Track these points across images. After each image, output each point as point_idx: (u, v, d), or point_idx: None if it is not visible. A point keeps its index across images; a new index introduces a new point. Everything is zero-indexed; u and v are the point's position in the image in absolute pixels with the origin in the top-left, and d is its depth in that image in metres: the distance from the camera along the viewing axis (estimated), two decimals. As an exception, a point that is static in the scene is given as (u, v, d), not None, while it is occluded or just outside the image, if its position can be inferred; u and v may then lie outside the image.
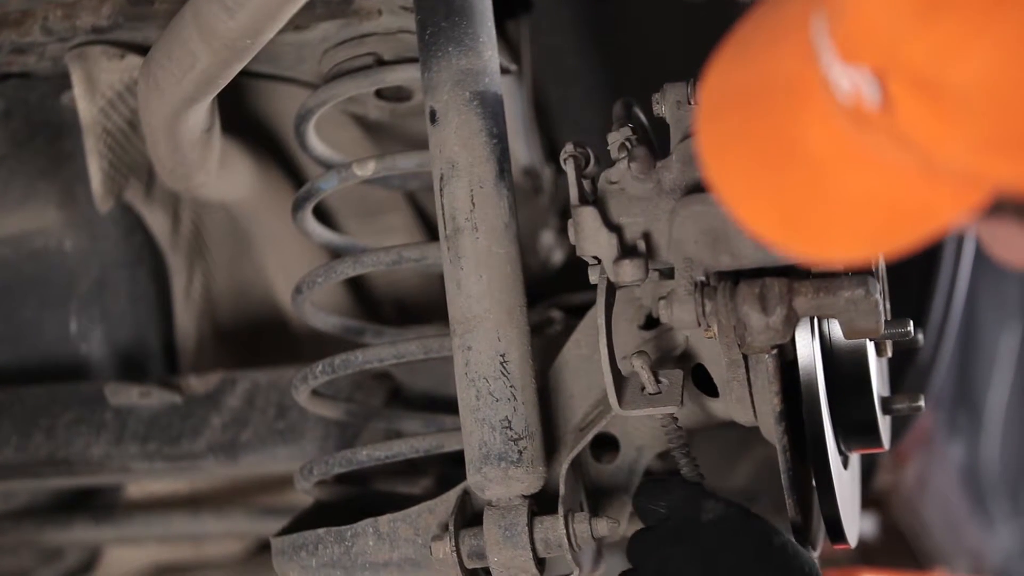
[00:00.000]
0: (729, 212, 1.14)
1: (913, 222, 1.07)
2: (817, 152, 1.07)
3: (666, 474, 1.71)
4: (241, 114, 2.13)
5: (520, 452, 1.63)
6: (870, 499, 3.04)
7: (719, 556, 1.59)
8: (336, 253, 2.05)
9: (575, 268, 1.73)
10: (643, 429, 1.76)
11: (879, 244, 1.12)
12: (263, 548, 2.63)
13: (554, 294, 2.18)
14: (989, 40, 0.95)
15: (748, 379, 1.65)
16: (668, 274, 1.63)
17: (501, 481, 1.64)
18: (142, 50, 1.87)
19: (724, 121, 1.14)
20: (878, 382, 1.76)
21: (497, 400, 1.63)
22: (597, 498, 1.76)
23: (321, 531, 1.75)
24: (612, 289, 1.62)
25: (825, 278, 1.55)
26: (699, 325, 1.56)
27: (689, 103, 1.64)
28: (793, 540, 1.62)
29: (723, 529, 1.60)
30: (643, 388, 1.61)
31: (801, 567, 1.58)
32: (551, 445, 1.69)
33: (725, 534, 1.60)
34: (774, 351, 1.57)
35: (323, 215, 2.16)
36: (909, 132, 1.00)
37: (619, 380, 1.60)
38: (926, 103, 0.99)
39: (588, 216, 1.60)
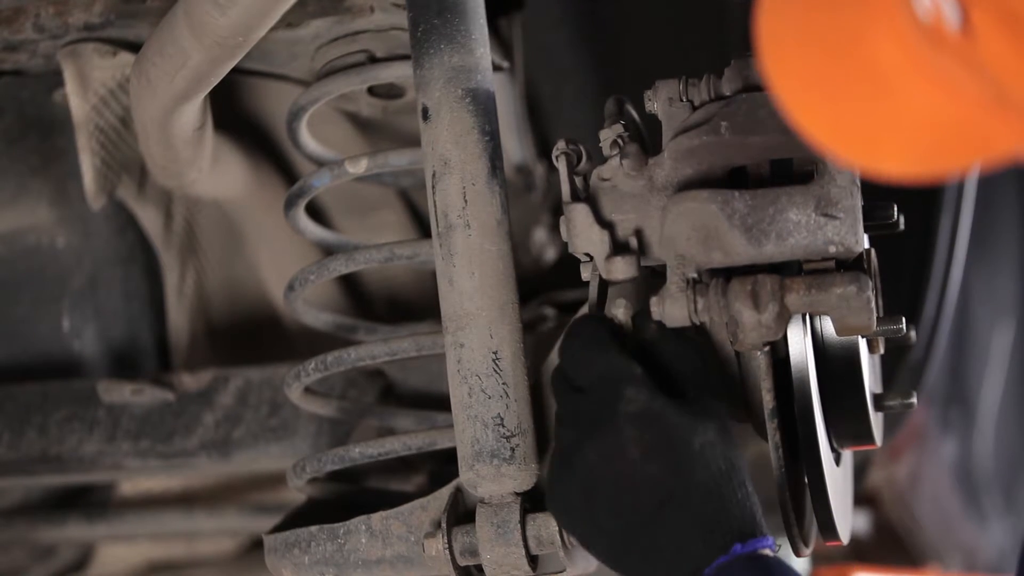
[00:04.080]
0: (781, 107, 1.13)
1: (970, 146, 1.06)
2: (884, 62, 1.05)
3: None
4: (233, 111, 2.13)
5: (512, 449, 1.63)
6: (863, 496, 3.04)
7: (633, 457, 1.53)
8: (328, 250, 2.05)
9: (567, 265, 1.73)
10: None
11: (931, 162, 1.10)
12: (256, 545, 2.64)
13: (546, 291, 2.18)
14: None
15: (740, 376, 1.65)
16: (661, 271, 1.63)
17: (494, 478, 1.64)
18: (134, 47, 1.87)
19: (787, 12, 1.12)
20: (870, 379, 1.76)
21: (489, 397, 1.63)
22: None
23: (314, 528, 1.74)
24: (604, 286, 1.62)
25: (817, 275, 1.55)
26: (691, 322, 1.56)
27: (681, 100, 1.64)
28: (716, 430, 1.54)
29: (642, 427, 1.53)
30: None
31: (719, 467, 1.52)
32: (544, 442, 1.69)
33: (643, 434, 1.52)
34: (766, 348, 1.57)
35: (315, 212, 2.16)
36: (985, 61, 1.00)
37: (611, 377, 1.60)
38: (1008, 36, 0.98)
39: (580, 213, 1.60)
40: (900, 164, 1.11)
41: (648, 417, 1.53)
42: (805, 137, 1.13)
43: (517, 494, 1.66)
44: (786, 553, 1.62)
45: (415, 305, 2.31)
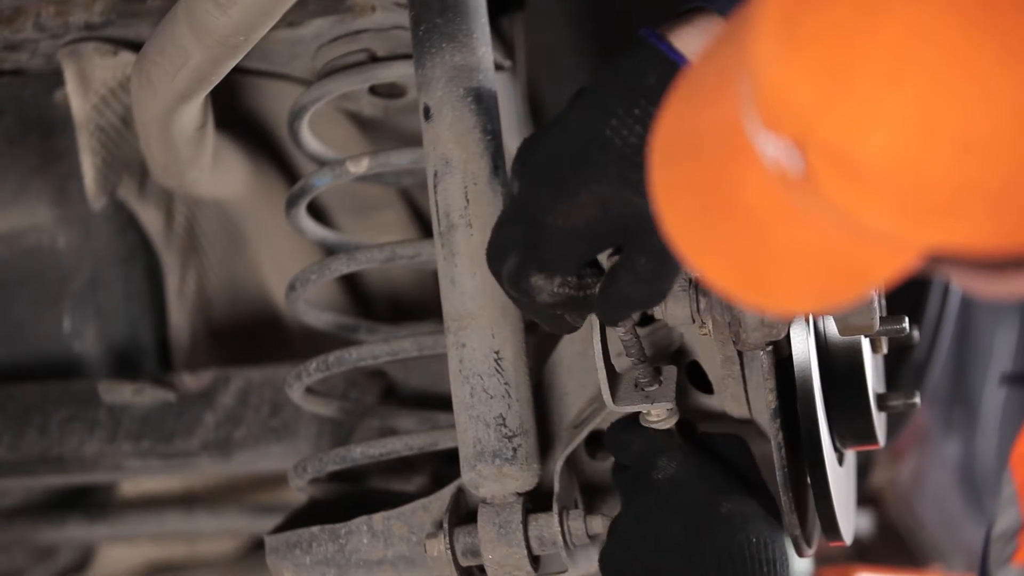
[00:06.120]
0: (683, 261, 1.15)
1: (853, 279, 1.09)
2: (756, 208, 1.08)
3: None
4: (235, 111, 2.12)
5: (514, 449, 1.63)
6: (866, 496, 3.04)
7: (660, 519, 1.57)
8: (330, 250, 2.05)
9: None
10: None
11: (822, 299, 1.13)
12: (257, 546, 2.63)
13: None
14: (892, 113, 0.97)
15: (743, 376, 1.65)
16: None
17: (495, 478, 1.64)
18: (135, 47, 1.87)
19: (674, 170, 1.15)
20: (873, 379, 1.76)
21: (491, 397, 1.63)
22: (592, 495, 1.76)
23: (315, 529, 1.74)
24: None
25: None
26: (693, 322, 1.56)
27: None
28: (751, 507, 1.57)
29: (669, 490, 1.58)
30: (637, 385, 1.60)
31: (746, 539, 1.55)
32: (545, 442, 1.68)
33: (669, 496, 1.57)
34: (769, 348, 1.57)
35: (317, 212, 2.15)
36: (831, 199, 1.02)
37: (613, 377, 1.60)
38: (842, 175, 1.00)
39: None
40: (796, 303, 1.15)
41: (676, 482, 1.58)
42: (708, 284, 1.15)
43: (519, 494, 1.66)
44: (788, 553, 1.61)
45: (417, 305, 2.30)
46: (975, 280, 1.10)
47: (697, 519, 1.56)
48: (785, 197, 1.05)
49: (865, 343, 1.72)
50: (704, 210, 1.12)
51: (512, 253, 1.49)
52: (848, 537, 1.71)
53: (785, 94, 1.00)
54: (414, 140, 1.77)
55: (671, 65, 1.43)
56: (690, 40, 1.44)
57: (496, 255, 1.51)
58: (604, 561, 1.62)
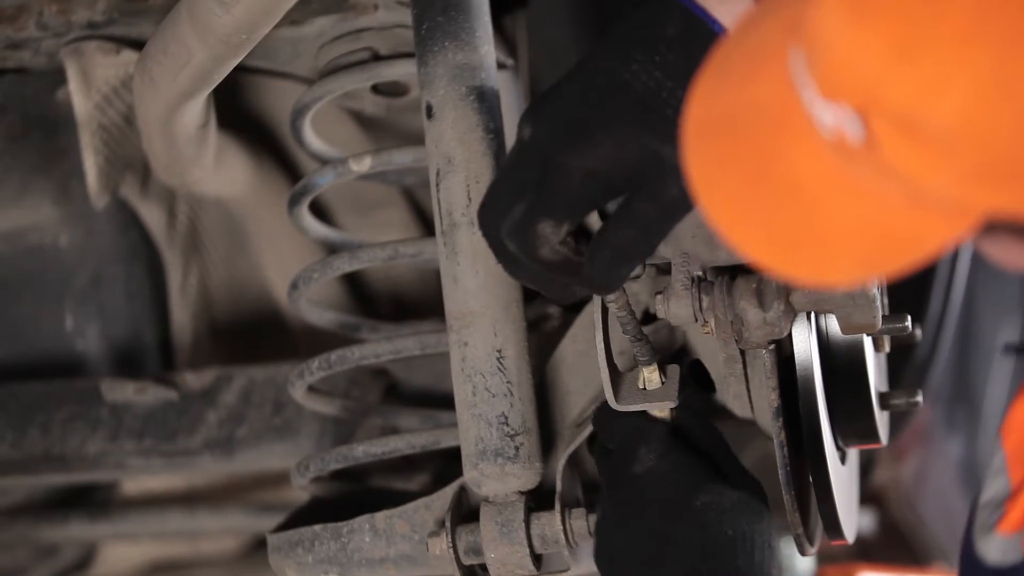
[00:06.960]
0: (722, 237, 1.14)
1: (905, 248, 1.08)
2: (804, 180, 1.08)
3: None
4: (237, 110, 2.12)
5: (517, 448, 1.63)
6: (868, 495, 3.04)
7: (637, 511, 1.57)
8: (332, 249, 2.05)
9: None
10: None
11: (872, 269, 1.14)
12: (259, 545, 2.63)
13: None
14: (966, 78, 0.97)
15: (745, 374, 1.65)
16: (665, 269, 1.63)
17: (498, 477, 1.64)
18: (138, 45, 1.87)
19: (711, 145, 1.14)
20: (876, 377, 1.76)
21: (494, 396, 1.63)
22: (594, 494, 1.76)
23: (317, 527, 1.74)
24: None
25: (823, 273, 1.54)
26: (696, 320, 1.56)
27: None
28: (730, 499, 1.57)
29: (647, 483, 1.58)
30: (639, 384, 1.60)
31: (720, 533, 1.55)
32: (548, 441, 1.68)
33: (647, 489, 1.57)
34: (771, 346, 1.57)
35: (319, 211, 2.15)
36: (893, 166, 1.02)
37: (615, 376, 1.60)
38: (909, 140, 1.00)
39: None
40: (841, 274, 1.14)
41: (654, 475, 1.58)
42: (747, 260, 1.14)
43: (521, 493, 1.66)
44: (791, 552, 1.61)
45: (419, 303, 2.30)
46: (1021, 252, 1.10)
47: (671, 512, 1.56)
48: (838, 166, 1.05)
49: (867, 341, 1.72)
50: (744, 183, 1.12)
51: (520, 200, 1.43)
52: (850, 536, 1.71)
53: (851, 62, 1.00)
54: (416, 139, 1.77)
55: (691, 17, 1.42)
56: None
57: (497, 204, 1.46)
58: (596, 555, 1.62)
